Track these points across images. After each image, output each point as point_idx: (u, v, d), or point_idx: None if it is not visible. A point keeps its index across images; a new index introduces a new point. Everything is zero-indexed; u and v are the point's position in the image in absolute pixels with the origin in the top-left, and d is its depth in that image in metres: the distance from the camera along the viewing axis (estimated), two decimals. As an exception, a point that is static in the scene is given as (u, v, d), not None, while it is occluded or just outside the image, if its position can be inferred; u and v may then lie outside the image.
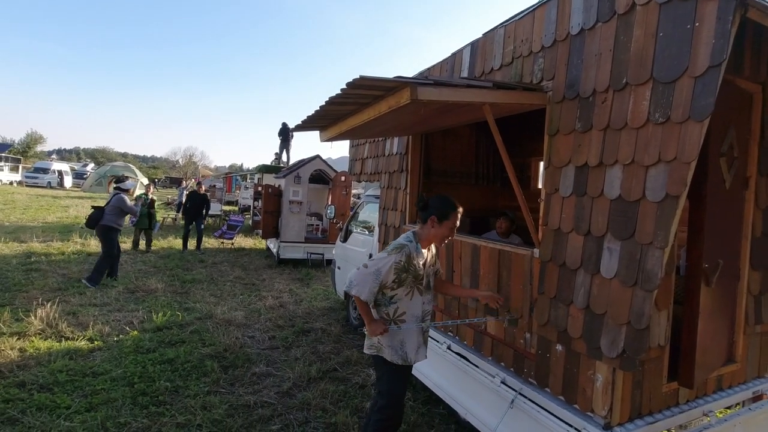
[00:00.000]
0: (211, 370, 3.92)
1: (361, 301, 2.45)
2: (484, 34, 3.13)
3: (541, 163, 5.04)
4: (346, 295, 5.80)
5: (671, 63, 1.88)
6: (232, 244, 11.64)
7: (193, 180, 12.02)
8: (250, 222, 15.02)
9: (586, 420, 2.24)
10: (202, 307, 5.79)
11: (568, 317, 2.34)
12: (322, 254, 9.54)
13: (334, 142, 4.04)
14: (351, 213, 6.35)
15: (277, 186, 9.94)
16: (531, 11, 2.68)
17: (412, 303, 2.54)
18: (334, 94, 2.40)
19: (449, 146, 4.79)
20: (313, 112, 2.93)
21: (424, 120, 3.09)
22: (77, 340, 4.47)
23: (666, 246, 1.89)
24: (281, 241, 9.46)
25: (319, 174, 10.37)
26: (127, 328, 4.86)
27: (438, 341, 3.53)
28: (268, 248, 11.23)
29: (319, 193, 11.11)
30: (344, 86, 2.23)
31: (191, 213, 10.62)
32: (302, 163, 9.89)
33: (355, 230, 5.74)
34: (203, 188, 11.46)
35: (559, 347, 2.42)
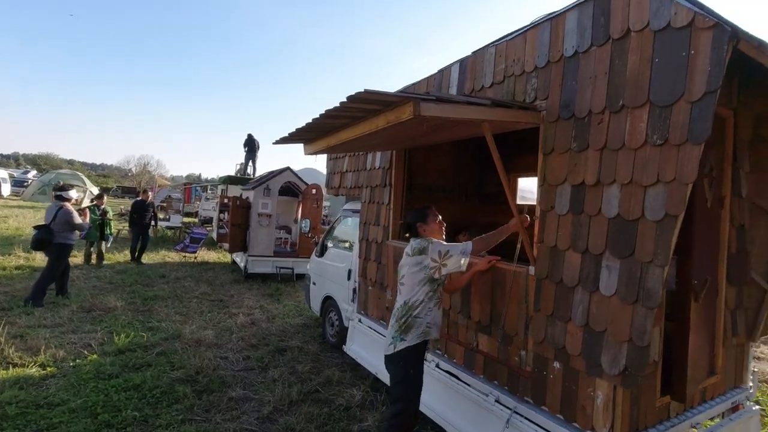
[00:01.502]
0: (183, 395, 3.66)
1: (474, 251, 2.66)
2: (473, 53, 3.16)
3: (519, 180, 5.19)
4: (322, 311, 5.65)
5: (668, 88, 1.95)
6: (195, 257, 11.13)
7: (148, 190, 11.35)
8: (214, 235, 14.47)
9: (586, 438, 2.24)
10: (168, 327, 5.44)
11: (566, 334, 2.35)
12: (292, 269, 9.30)
13: (316, 155, 3.95)
14: (327, 227, 6.23)
15: (245, 198, 9.63)
16: (523, 32, 2.73)
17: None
18: (332, 107, 2.33)
19: (430, 161, 4.80)
20: (304, 124, 2.84)
21: (417, 135, 3.07)
22: (27, 366, 4.07)
23: (666, 264, 1.94)
24: (249, 255, 9.14)
25: (289, 186, 10.16)
26: (85, 352, 4.48)
27: (425, 359, 3.46)
28: (234, 262, 10.83)
29: (288, 205, 10.87)
30: (344, 99, 2.18)
31: (138, 223, 10.17)
32: (272, 175, 9.65)
33: (332, 245, 5.62)
34: (150, 196, 10.89)
35: (556, 365, 2.43)
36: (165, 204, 24.04)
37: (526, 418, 2.55)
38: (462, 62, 3.26)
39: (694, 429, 2.57)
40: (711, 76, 1.81)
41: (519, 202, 5.03)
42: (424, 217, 2.80)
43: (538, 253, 2.54)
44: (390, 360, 2.67)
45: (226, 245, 12.66)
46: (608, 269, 2.16)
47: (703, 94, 1.83)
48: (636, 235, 2.05)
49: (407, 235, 2.93)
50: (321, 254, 5.78)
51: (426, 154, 4.70)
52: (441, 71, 3.50)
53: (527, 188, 5.14)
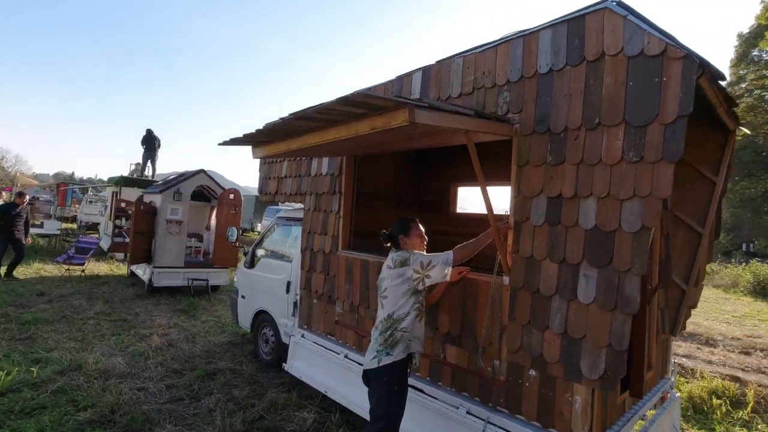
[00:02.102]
0: (98, 441, 3.06)
1: (455, 260, 2.58)
2: (437, 62, 3.15)
3: (459, 188, 5.34)
4: (254, 327, 5.21)
5: (642, 110, 2.10)
6: (83, 271, 9.61)
7: (25, 194, 9.46)
8: (104, 244, 12.68)
9: (563, 441, 2.32)
10: (61, 357, 4.55)
11: (544, 342, 2.41)
12: (207, 280, 8.49)
13: (266, 159, 3.62)
14: (258, 236, 5.77)
15: (149, 202, 8.57)
16: (494, 46, 2.79)
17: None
18: (314, 107, 2.12)
19: (370, 169, 4.70)
20: (269, 125, 2.56)
21: (389, 142, 2.96)
22: None
23: (643, 272, 2.08)
24: (155, 267, 8.14)
25: (202, 190, 9.30)
26: (-52, 398, 3.54)
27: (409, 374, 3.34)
28: (132, 274, 9.57)
29: (200, 211, 9.94)
30: (332, 100, 2.00)
31: (5, 231, 8.57)
32: (183, 178, 8.74)
33: (265, 255, 5.22)
34: (25, 200, 9.19)
35: (532, 372, 2.48)
36: (30, 206, 20.73)
37: (501, 428, 2.56)
38: (425, 71, 3.23)
39: (642, 421, 2.82)
40: (682, 102, 1.99)
41: (459, 210, 5.18)
42: (407, 229, 2.73)
43: (512, 263, 2.58)
44: (373, 375, 2.53)
45: (120, 255, 11.23)
46: (586, 278, 2.26)
47: (676, 117, 2.00)
48: (613, 246, 2.17)
49: (388, 245, 2.81)
50: (251, 265, 5.34)
51: (365, 161, 4.60)
52: (400, 78, 3.43)
53: (466, 197, 5.30)
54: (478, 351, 2.72)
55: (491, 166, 4.83)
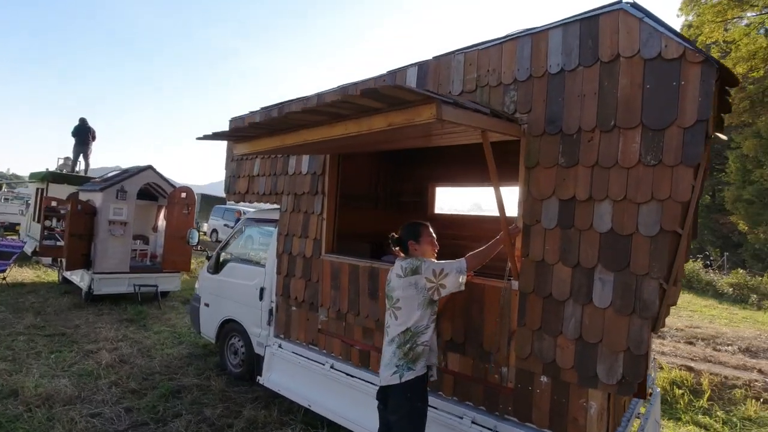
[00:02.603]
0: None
1: (468, 267, 2.46)
2: (435, 58, 3.03)
3: (438, 189, 5.26)
4: (220, 337, 4.82)
5: (660, 113, 2.10)
6: (4, 278, 8.52)
7: None
8: (28, 248, 11.36)
9: (578, 448, 2.28)
10: (-10, 381, 3.93)
11: (556, 348, 2.36)
12: (156, 286, 7.81)
13: (249, 156, 3.30)
14: (224, 239, 5.36)
15: (87, 201, 7.73)
16: (498, 43, 2.70)
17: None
18: (331, 101, 1.91)
19: (354, 169, 4.52)
20: (269, 118, 2.30)
21: (393, 140, 2.79)
22: None
23: (662, 276, 2.08)
24: (96, 273, 7.36)
25: (148, 189, 8.56)
26: None
27: (376, 384, 3.17)
28: (65, 281, 8.64)
29: (146, 211, 9.14)
30: (353, 94, 1.80)
31: None
32: (127, 174, 7.97)
33: (233, 260, 4.84)
34: None
35: (544, 379, 2.43)
36: None
37: (511, 437, 2.49)
38: (421, 66, 3.09)
39: (637, 418, 2.88)
40: (701, 106, 2.00)
41: (437, 211, 5.11)
42: (417, 235, 2.57)
43: (522, 268, 2.52)
44: (395, 392, 2.37)
45: (48, 259, 10.13)
46: (602, 282, 2.23)
47: (695, 121, 2.01)
48: (630, 250, 2.16)
49: (397, 249, 2.63)
50: (216, 270, 4.93)
51: (345, 161, 4.40)
52: (393, 73, 3.27)
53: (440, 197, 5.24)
54: (486, 358, 2.63)
55: (480, 167, 4.82)
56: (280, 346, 3.96)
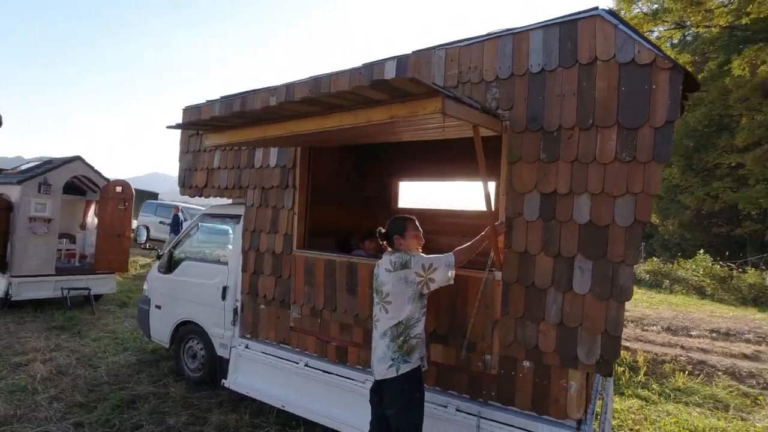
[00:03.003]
0: None
1: (456, 262, 2.51)
2: (414, 52, 3.04)
3: (401, 183, 5.30)
4: (174, 341, 4.51)
5: (633, 113, 2.28)
6: None
7: None
8: None
9: (559, 425, 2.43)
10: None
11: (539, 334, 2.50)
12: (88, 289, 7.11)
13: (224, 147, 3.10)
14: (173, 237, 5.00)
15: (0, 195, 6.83)
16: (480, 41, 2.78)
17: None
18: (338, 91, 1.85)
19: (317, 163, 4.42)
20: (258, 107, 2.18)
21: (379, 134, 2.76)
22: None
23: (636, 263, 2.28)
24: (14, 276, 6.56)
25: (75, 182, 7.74)
26: None
27: (355, 380, 3.16)
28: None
29: (72, 206, 8.26)
30: (360, 84, 1.76)
31: None
32: (52, 166, 7.15)
33: (189, 258, 4.54)
34: None
35: (526, 363, 2.55)
36: None
37: (495, 421, 2.60)
38: (400, 60, 3.09)
39: (601, 395, 3.12)
40: (670, 108, 2.20)
41: (401, 205, 5.15)
42: (403, 229, 2.58)
43: (505, 259, 2.62)
44: (391, 385, 2.37)
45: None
46: (581, 270, 2.39)
47: (665, 122, 2.21)
48: (607, 239, 2.33)
49: (383, 244, 2.62)
50: (169, 270, 4.60)
51: (316, 155, 4.30)
52: (369, 66, 3.23)
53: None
54: (470, 348, 2.71)
55: (442, 162, 4.92)
56: (247, 347, 3.80)
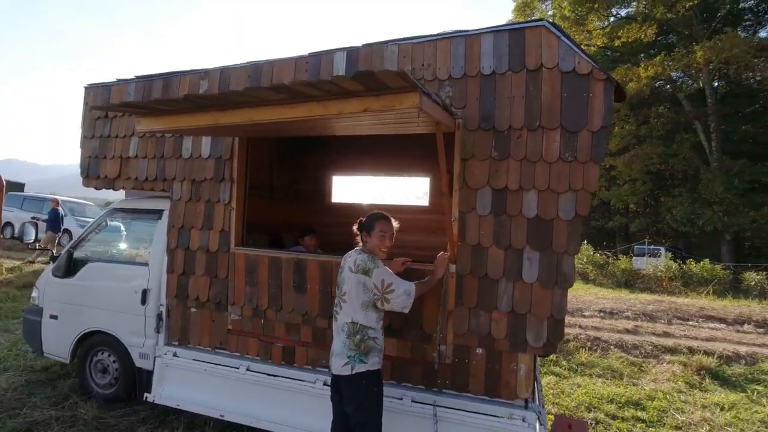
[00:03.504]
0: None
1: (416, 293, 2.47)
2: (365, 45, 3.00)
3: (335, 178, 5.20)
4: (75, 355, 3.93)
5: (574, 118, 2.52)
6: None
7: None
8: None
9: (509, 406, 2.62)
10: None
11: (491, 322, 2.65)
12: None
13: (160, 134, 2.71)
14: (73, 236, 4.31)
15: None
16: (432, 40, 2.83)
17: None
18: (315, 80, 1.76)
19: (252, 155, 4.16)
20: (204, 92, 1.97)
21: (307, 128, 2.66)
22: None
23: (577, 253, 2.53)
24: None
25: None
26: None
27: (303, 380, 3.06)
28: None
29: None
30: (339, 74, 1.70)
31: None
32: None
33: (94, 259, 3.96)
34: None
35: (479, 351, 2.69)
36: None
37: (450, 408, 2.70)
38: (350, 52, 3.02)
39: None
40: (605, 115, 2.48)
41: (338, 200, 5.06)
42: (370, 228, 2.54)
43: (458, 252, 2.73)
44: (348, 382, 2.34)
45: None
46: (529, 261, 2.59)
47: (601, 127, 2.48)
48: (552, 232, 2.55)
49: (356, 238, 2.55)
50: (68, 273, 3.98)
51: (248, 146, 4.04)
52: (317, 56, 3.11)
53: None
54: (422, 340, 2.77)
55: (376, 157, 4.93)
56: (175, 355, 3.45)
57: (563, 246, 2.52)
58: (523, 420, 2.57)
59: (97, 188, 3.93)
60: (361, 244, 2.59)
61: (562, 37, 2.57)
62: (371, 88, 1.93)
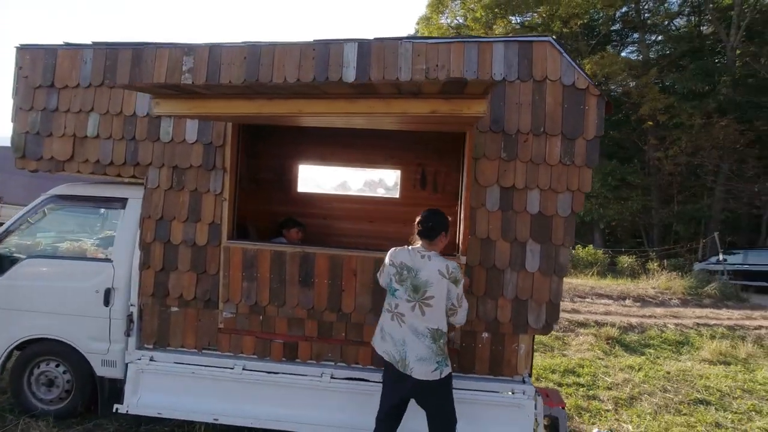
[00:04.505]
0: None
1: None
2: (377, 39, 3.01)
3: (302, 167, 5.03)
4: (5, 367, 3.33)
5: (573, 127, 2.87)
6: None
7: None
8: None
9: (510, 382, 2.93)
10: None
11: (497, 308, 2.92)
12: None
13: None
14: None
15: None
16: (447, 42, 2.96)
17: None
18: (410, 80, 1.77)
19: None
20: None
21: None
22: None
23: (572, 245, 2.91)
24: None
25: None
26: None
27: (310, 375, 3.03)
28: None
29: None
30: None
31: None
32: None
33: (34, 255, 3.36)
34: None
35: (485, 335, 2.96)
36: None
37: (458, 388, 2.91)
38: (362, 44, 3.01)
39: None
40: (597, 126, 2.87)
41: (305, 190, 4.90)
42: (447, 227, 2.48)
43: (468, 244, 2.94)
44: (434, 386, 2.38)
45: None
46: (532, 252, 2.91)
47: (593, 136, 2.87)
48: (551, 226, 2.90)
49: (425, 238, 2.46)
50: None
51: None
52: (325, 44, 3.02)
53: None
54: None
55: (344, 147, 4.88)
56: (152, 359, 3.13)
57: (561, 239, 2.88)
58: (524, 393, 2.90)
59: (37, 170, 3.33)
60: (426, 244, 2.45)
61: (564, 53, 2.89)
62: (443, 91, 2.01)
